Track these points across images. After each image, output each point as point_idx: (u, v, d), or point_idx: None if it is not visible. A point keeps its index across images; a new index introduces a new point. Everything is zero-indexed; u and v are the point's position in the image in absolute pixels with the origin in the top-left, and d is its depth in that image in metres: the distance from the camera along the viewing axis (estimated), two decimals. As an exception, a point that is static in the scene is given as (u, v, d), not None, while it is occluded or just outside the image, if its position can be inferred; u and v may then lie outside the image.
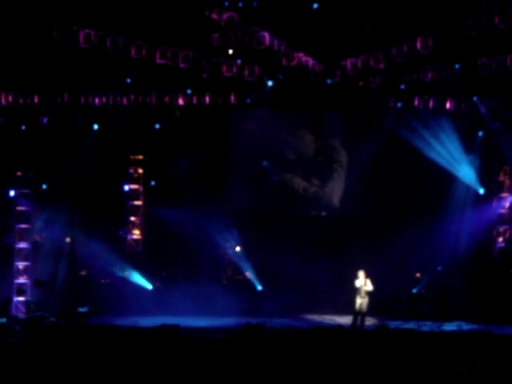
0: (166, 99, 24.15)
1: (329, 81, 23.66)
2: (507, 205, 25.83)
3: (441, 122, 24.34)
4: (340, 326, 19.06)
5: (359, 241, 24.20)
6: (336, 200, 25.52)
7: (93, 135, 24.56)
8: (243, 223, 24.57)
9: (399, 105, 24.43)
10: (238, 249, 24.71)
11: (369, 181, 24.72)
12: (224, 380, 10.91)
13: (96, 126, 24.60)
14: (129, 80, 23.60)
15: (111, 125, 24.41)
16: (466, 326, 21.98)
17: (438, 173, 24.48)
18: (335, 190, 25.50)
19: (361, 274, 20.29)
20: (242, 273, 24.64)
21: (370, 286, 20.21)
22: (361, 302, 20.24)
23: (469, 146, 24.99)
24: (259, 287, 24.25)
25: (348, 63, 23.32)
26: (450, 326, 22.04)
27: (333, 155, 25.50)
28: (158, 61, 22.59)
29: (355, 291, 20.35)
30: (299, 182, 25.44)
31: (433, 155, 24.31)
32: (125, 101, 24.10)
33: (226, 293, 23.30)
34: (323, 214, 25.62)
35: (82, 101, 24.00)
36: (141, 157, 25.67)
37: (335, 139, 25.42)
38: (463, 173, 25.05)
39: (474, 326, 21.62)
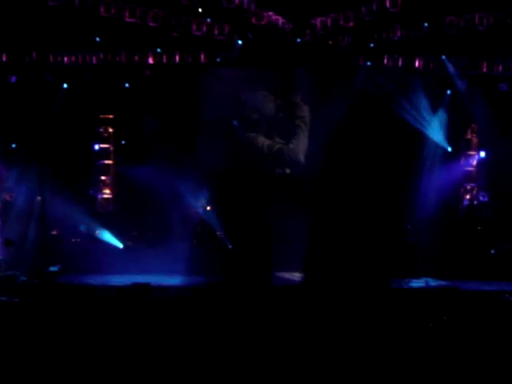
0: (136, 58, 24.05)
1: (298, 40, 23.67)
2: (474, 162, 26.09)
3: (410, 81, 24.47)
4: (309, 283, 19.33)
5: (327, 199, 24.28)
6: (301, 156, 25.55)
7: (62, 94, 24.43)
8: (213, 182, 24.59)
9: (368, 63, 24.49)
10: (208, 208, 24.77)
11: (337, 139, 24.75)
12: (194, 336, 11.04)
13: (65, 85, 24.49)
14: (98, 39, 23.44)
15: (81, 84, 24.28)
16: (433, 283, 22.24)
17: (407, 131, 24.63)
18: (300, 146, 25.54)
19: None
20: (213, 232, 24.70)
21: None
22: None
23: (437, 104, 25.16)
24: (230, 246, 24.36)
25: (318, 22, 23.29)
26: (417, 283, 22.28)
27: (294, 111, 25.50)
28: (128, 19, 22.43)
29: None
30: (263, 141, 25.48)
31: (402, 114, 24.47)
32: (94, 59, 23.95)
33: (197, 251, 23.41)
34: (287, 171, 25.63)
35: (51, 59, 23.84)
36: (111, 116, 25.57)
37: (297, 95, 25.39)
38: (432, 131, 25.22)
39: (442, 283, 21.94)
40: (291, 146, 25.53)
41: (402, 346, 10.22)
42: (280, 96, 25.44)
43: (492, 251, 24.46)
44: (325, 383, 8.71)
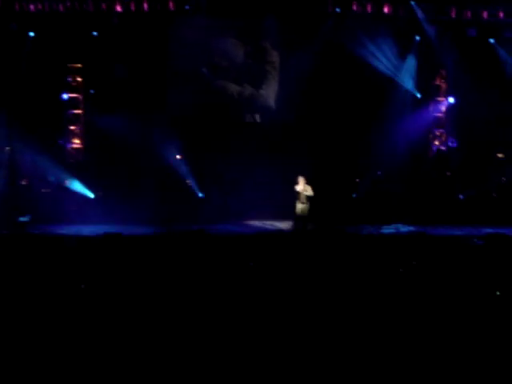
0: (104, 6, 23.79)
1: (267, -13, 23.56)
2: (443, 108, 26.19)
3: (379, 27, 24.41)
4: (281, 230, 19.47)
5: (298, 147, 24.32)
6: (272, 102, 25.53)
7: (29, 43, 24.14)
8: (183, 131, 24.50)
9: (338, 10, 24.38)
10: (178, 157, 24.71)
11: (308, 85, 24.74)
12: (168, 287, 11.09)
13: (32, 34, 24.18)
14: (64, -14, 23.19)
15: (48, 33, 23.99)
16: (403, 229, 22.46)
17: (377, 77, 24.61)
18: (270, 92, 25.48)
19: (300, 179, 20.40)
20: (182, 180, 24.68)
21: (310, 192, 20.37)
22: (301, 207, 20.38)
23: (406, 50, 25.15)
24: (200, 194, 24.39)
25: (287, -32, 23.21)
26: (388, 229, 22.49)
27: (264, 57, 25.40)
28: (94, -33, 22.26)
29: (295, 196, 20.57)
30: (233, 88, 25.39)
31: (371, 60, 24.46)
32: (61, 7, 23.67)
33: (168, 200, 23.42)
34: (258, 119, 25.59)
35: (17, 7, 23.53)
36: (79, 65, 25.29)
37: (266, 41, 25.28)
38: (401, 77, 25.24)
39: (411, 228, 22.17)
40: (262, 91, 25.47)
41: (373, 291, 10.34)
42: (249, 43, 25.30)
43: (461, 196, 24.70)
44: (299, 326, 8.81)
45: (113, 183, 24.40)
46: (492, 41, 24.94)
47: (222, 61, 25.25)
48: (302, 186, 20.35)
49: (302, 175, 20.48)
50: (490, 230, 19.65)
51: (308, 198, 20.37)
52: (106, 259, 13.55)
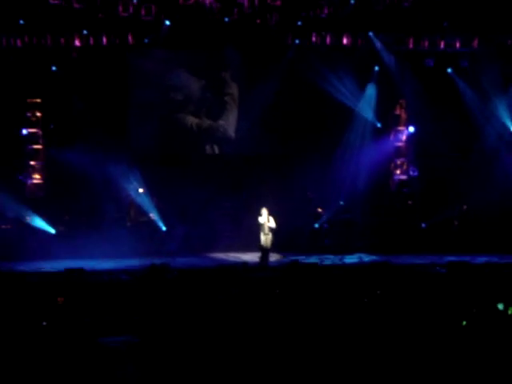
0: (62, 40, 23.72)
1: (226, 19, 23.62)
2: (404, 138, 26.39)
3: (338, 58, 24.59)
4: (245, 263, 19.40)
5: (260, 178, 24.36)
6: (231, 133, 25.58)
7: (-14, 78, 24.01)
8: (145, 165, 24.41)
9: (297, 41, 24.54)
10: (140, 190, 24.58)
11: (268, 117, 24.83)
12: (130, 319, 10.99)
13: (-11, 69, 24.06)
14: (22, 21, 23.07)
15: (6, 68, 23.85)
16: (366, 258, 22.46)
17: (337, 108, 24.77)
18: (229, 122, 25.55)
19: (264, 211, 20.49)
20: (145, 214, 24.53)
21: (272, 223, 20.43)
22: (265, 238, 20.47)
23: (366, 80, 25.36)
24: (163, 228, 24.26)
25: (245, 1, 23.31)
26: (351, 259, 22.47)
27: (222, 89, 25.47)
28: (52, 1, 22.20)
29: (259, 228, 20.58)
30: (192, 120, 25.40)
31: (331, 91, 24.60)
32: (19, 42, 23.57)
33: (130, 235, 23.27)
34: (217, 151, 25.59)
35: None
36: (38, 100, 25.16)
37: (226, 73, 25.37)
38: (361, 107, 25.43)
39: (374, 257, 22.18)
40: (221, 122, 25.51)
41: (339, 321, 10.31)
42: (207, 75, 25.34)
43: (423, 225, 24.81)
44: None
45: (75, 218, 24.22)
46: (449, 70, 25.22)
47: (178, 94, 25.27)
48: (265, 218, 20.40)
49: (265, 206, 20.53)
50: (452, 258, 19.72)
51: (271, 229, 20.43)
52: (68, 294, 13.39)
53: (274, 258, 21.66)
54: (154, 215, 24.43)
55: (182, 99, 25.29)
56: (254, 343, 9.38)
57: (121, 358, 8.76)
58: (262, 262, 20.60)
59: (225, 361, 8.68)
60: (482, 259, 20.95)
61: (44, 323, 10.85)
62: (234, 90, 25.48)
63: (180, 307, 11.73)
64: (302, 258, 20.91)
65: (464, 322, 9.83)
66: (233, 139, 25.54)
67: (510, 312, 10.43)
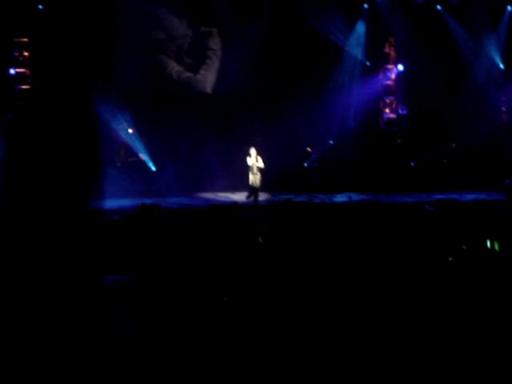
0: (48, -22, 23.45)
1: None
2: (393, 76, 26.30)
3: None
4: (234, 203, 19.46)
5: (250, 118, 24.28)
6: (209, 87, 25.42)
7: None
8: (133, 104, 24.25)
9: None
10: (130, 131, 24.50)
11: (258, 56, 24.65)
12: (123, 259, 11.03)
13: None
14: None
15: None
16: (355, 197, 22.51)
17: (326, 46, 24.63)
18: (208, 78, 25.36)
19: (252, 151, 20.52)
20: (135, 154, 24.52)
21: (260, 163, 20.48)
22: (253, 178, 20.54)
23: (355, 18, 25.17)
24: (153, 168, 24.24)
25: None
26: (340, 198, 22.54)
27: (207, 43, 25.28)
28: None
29: (247, 168, 20.63)
30: (173, 66, 25.24)
31: (320, 29, 24.42)
32: (5, -20, 23.30)
33: (120, 175, 23.24)
34: (209, 91, 25.47)
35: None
36: (25, 39, 24.92)
37: (214, 28, 25.17)
38: (350, 45, 25.28)
39: (363, 196, 22.26)
40: (199, 76, 25.32)
41: (329, 260, 10.37)
42: (196, 23, 25.09)
43: (412, 164, 24.89)
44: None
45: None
46: (439, 7, 25.06)
47: (161, 33, 25.03)
48: (253, 158, 20.44)
49: (254, 146, 20.54)
50: (440, 196, 19.83)
51: (259, 168, 20.49)
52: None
53: (262, 197, 21.74)
54: (143, 155, 24.41)
55: (162, 38, 25.05)
56: (245, 281, 9.47)
57: (114, 296, 8.83)
58: (253, 201, 20.70)
59: (216, 299, 8.77)
60: (470, 196, 21.07)
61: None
62: (218, 46, 25.30)
63: (171, 247, 11.80)
64: (292, 197, 20.96)
65: (450, 258, 9.94)
66: (210, 96, 25.40)
67: (496, 248, 10.55)
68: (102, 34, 23.15)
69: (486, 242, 10.67)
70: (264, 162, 20.51)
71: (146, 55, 24.97)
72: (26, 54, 25.01)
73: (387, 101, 26.33)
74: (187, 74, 25.19)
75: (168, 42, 25.06)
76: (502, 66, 25.29)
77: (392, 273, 9.64)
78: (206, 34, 25.15)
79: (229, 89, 24.98)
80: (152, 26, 24.93)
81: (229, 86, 25.05)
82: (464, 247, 10.21)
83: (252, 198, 20.78)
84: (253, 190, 20.70)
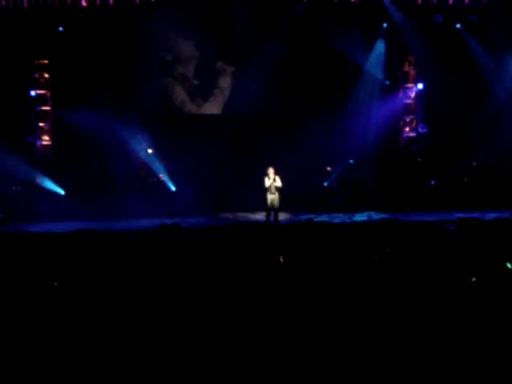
0: (69, 1, 23.65)
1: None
2: (412, 95, 26.27)
3: (346, 15, 24.44)
4: (256, 222, 19.45)
5: (270, 138, 24.28)
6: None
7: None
8: (154, 125, 24.41)
9: (305, -1, 24.44)
10: (150, 151, 24.60)
11: (277, 78, 24.72)
12: (142, 281, 11.03)
13: (-3, 30, 24.00)
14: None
15: (13, 29, 23.79)
16: (375, 216, 22.49)
17: (346, 65, 24.66)
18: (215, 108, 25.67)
19: (270, 170, 20.43)
20: (155, 175, 24.60)
21: (278, 183, 20.35)
22: (272, 197, 20.39)
23: (374, 37, 25.21)
24: (173, 188, 24.29)
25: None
26: (360, 217, 22.51)
27: (214, 79, 25.48)
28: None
29: (266, 188, 20.57)
30: (178, 93, 25.44)
31: (340, 47, 24.44)
32: (25, 3, 23.50)
33: (140, 196, 23.31)
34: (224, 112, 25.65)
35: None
36: (46, 61, 25.12)
37: (222, 62, 25.39)
38: (370, 64, 25.30)
39: (383, 215, 22.20)
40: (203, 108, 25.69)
41: (350, 278, 10.35)
42: (210, 43, 25.28)
43: (432, 182, 24.80)
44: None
45: (84, 180, 24.26)
46: (458, 26, 25.04)
47: (168, 55, 25.26)
48: (271, 177, 20.36)
49: (272, 166, 20.49)
50: (461, 215, 19.73)
51: (278, 188, 20.39)
52: (79, 256, 13.46)
53: (283, 216, 21.70)
54: (163, 176, 24.48)
55: (170, 60, 25.32)
56: (266, 299, 9.45)
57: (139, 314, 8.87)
58: (273, 221, 20.62)
59: (234, 319, 8.76)
60: (492, 215, 20.95)
61: (55, 283, 10.93)
62: (225, 83, 25.48)
63: (192, 267, 11.79)
64: (312, 217, 20.90)
65: (474, 279, 9.87)
66: (230, 116, 25.57)
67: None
68: (123, 54, 23.36)
69: (507, 264, 10.59)
70: (283, 181, 20.42)
71: (162, 76, 25.15)
72: (46, 75, 25.23)
73: (407, 119, 26.29)
74: (189, 107, 25.48)
75: (174, 64, 25.29)
76: (522, 85, 25.23)
77: (412, 291, 9.59)
78: (217, 71, 25.35)
79: (249, 108, 25.07)
80: (166, 47, 25.11)
81: (249, 105, 25.14)
82: (474, 279, 10.10)
83: (272, 218, 20.71)
84: (273, 210, 20.57)
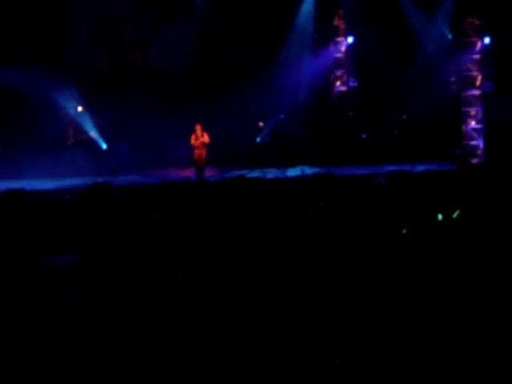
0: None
1: None
2: (343, 49, 26.31)
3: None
4: (187, 179, 19.37)
5: (201, 94, 24.13)
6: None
7: None
8: (83, 82, 24.03)
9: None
10: (80, 109, 24.24)
11: (205, 29, 24.52)
12: (72, 241, 10.91)
13: None
14: None
15: None
16: (308, 170, 22.55)
17: (276, 20, 24.56)
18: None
19: (197, 127, 20.47)
20: (85, 132, 24.27)
21: (206, 139, 20.38)
22: (198, 153, 20.45)
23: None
24: (104, 146, 24.03)
25: None
26: (293, 171, 22.57)
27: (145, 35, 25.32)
28: None
29: (192, 145, 20.55)
30: (108, 50, 25.18)
31: (269, 2, 24.34)
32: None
33: (71, 154, 23.01)
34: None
35: None
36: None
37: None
38: (300, 19, 25.21)
39: (317, 170, 22.28)
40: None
41: (284, 233, 10.38)
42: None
43: (363, 135, 24.97)
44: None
45: (13, 139, 23.81)
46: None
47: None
48: (198, 134, 20.34)
49: (199, 122, 20.44)
50: (392, 168, 19.92)
51: (205, 144, 20.38)
52: (8, 216, 13.26)
53: (214, 173, 21.68)
54: (94, 133, 24.17)
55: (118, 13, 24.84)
56: (200, 256, 9.43)
57: (67, 276, 8.74)
58: (197, 177, 20.64)
59: (168, 277, 8.72)
60: (421, 167, 21.22)
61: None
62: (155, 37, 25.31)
63: (123, 225, 11.70)
64: (245, 173, 20.90)
65: (404, 230, 9.98)
66: (161, 72, 25.25)
67: (455, 215, 10.61)
68: (50, 11, 22.65)
69: (438, 216, 10.74)
70: (212, 137, 20.37)
71: (91, 34, 24.70)
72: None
73: (338, 73, 26.38)
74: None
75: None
76: (450, 37, 25.40)
77: (347, 244, 9.67)
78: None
79: (180, 64, 24.80)
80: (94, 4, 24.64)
81: (180, 61, 24.88)
82: (404, 231, 10.21)
83: (198, 174, 20.72)
84: (200, 166, 20.59)
